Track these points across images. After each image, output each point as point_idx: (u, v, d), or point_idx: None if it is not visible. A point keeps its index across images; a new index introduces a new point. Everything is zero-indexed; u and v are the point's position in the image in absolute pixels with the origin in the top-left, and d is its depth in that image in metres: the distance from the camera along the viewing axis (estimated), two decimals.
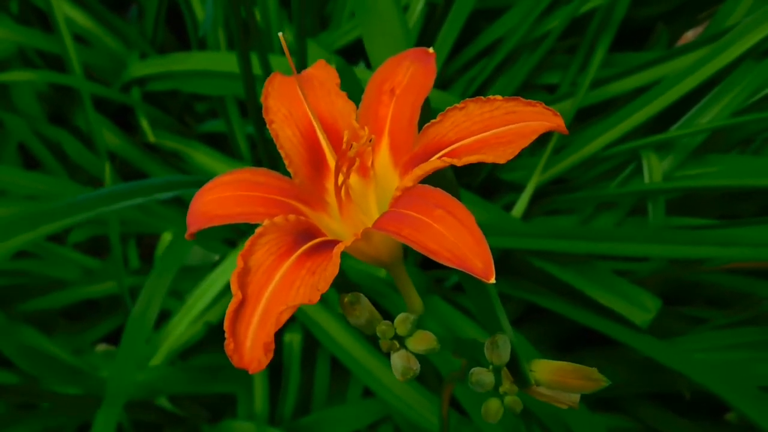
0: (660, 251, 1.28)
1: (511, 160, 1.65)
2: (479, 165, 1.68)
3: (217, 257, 1.77)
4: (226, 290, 1.52)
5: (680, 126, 1.49)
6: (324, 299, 1.48)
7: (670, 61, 1.55)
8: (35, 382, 1.51)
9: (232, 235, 1.78)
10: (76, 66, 1.68)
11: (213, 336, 1.62)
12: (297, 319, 1.51)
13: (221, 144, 1.91)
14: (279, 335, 1.54)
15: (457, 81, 1.71)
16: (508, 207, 1.55)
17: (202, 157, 1.80)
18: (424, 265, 1.62)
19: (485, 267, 0.44)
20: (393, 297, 1.41)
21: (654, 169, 1.44)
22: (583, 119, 1.66)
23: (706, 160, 1.48)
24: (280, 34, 0.60)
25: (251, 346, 0.45)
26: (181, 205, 1.79)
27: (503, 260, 1.44)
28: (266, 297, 0.47)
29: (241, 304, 0.47)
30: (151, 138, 1.79)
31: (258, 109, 1.48)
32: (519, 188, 1.55)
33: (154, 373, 1.48)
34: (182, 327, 1.51)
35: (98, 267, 1.75)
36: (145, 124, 1.80)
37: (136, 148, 1.83)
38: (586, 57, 1.62)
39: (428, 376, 1.43)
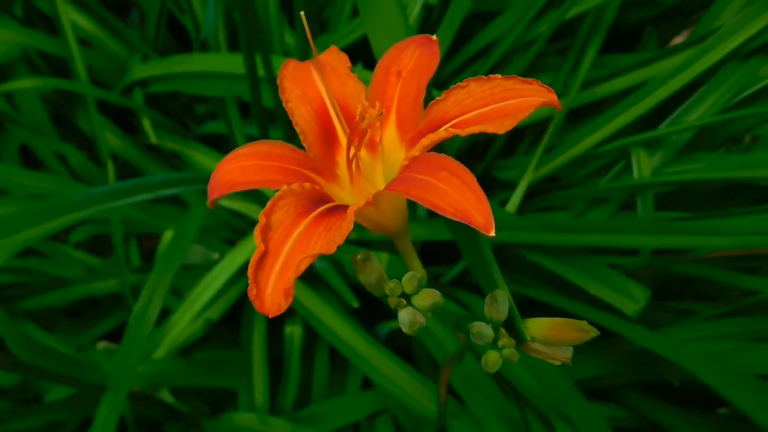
0: (648, 241, 1.32)
1: (505, 160, 1.70)
2: (474, 163, 1.72)
3: (217, 255, 1.80)
4: (226, 288, 1.55)
5: (669, 123, 1.54)
6: (322, 293, 1.52)
7: (658, 63, 1.60)
8: (36, 377, 1.54)
9: (231, 236, 1.81)
10: (80, 69, 1.72)
11: (213, 333, 1.65)
12: (297, 313, 1.54)
13: (221, 146, 1.94)
14: (280, 328, 1.57)
15: (452, 82, 1.74)
16: (503, 204, 1.59)
17: (202, 158, 1.83)
18: (421, 262, 1.66)
19: (485, 221, 0.48)
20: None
21: (643, 165, 1.49)
22: (574, 119, 1.71)
23: (693, 158, 1.53)
24: (302, 13, 0.64)
25: (272, 291, 0.50)
26: (182, 205, 1.83)
27: (497, 254, 1.47)
28: (287, 248, 0.51)
29: (264, 255, 0.51)
30: (153, 139, 1.82)
31: (262, 109, 1.54)
32: (513, 186, 1.59)
33: (157, 366, 1.51)
34: (182, 324, 1.53)
35: (100, 265, 1.78)
36: (147, 125, 1.83)
37: (137, 150, 1.86)
38: (577, 59, 1.67)
39: (425, 365, 1.47)
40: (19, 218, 1.25)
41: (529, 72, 1.73)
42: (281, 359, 1.58)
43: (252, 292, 0.49)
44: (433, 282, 1.60)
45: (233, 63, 1.65)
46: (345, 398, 1.55)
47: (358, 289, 1.45)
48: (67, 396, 1.55)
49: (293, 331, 1.55)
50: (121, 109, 1.99)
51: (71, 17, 1.83)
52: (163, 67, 1.82)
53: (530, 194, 1.60)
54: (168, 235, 1.68)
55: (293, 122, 0.67)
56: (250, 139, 1.83)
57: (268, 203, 0.54)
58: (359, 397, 1.53)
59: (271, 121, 1.77)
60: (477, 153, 1.85)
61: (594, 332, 0.60)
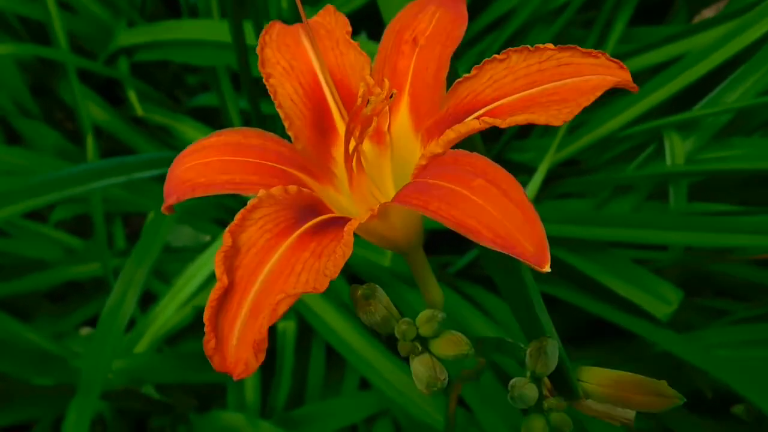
0: (683, 239, 1.20)
1: (521, 141, 1.56)
2: (486, 144, 1.59)
3: (207, 238, 1.70)
4: None
5: (704, 105, 1.40)
6: None
7: (693, 37, 1.47)
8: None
9: (224, 215, 1.70)
10: (60, 35, 1.60)
11: (202, 320, 1.54)
12: (291, 306, 1.42)
13: (213, 119, 1.82)
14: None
15: (464, 54, 1.61)
16: None
17: (192, 132, 1.72)
18: (425, 248, 1.54)
19: (537, 251, 0.34)
20: (398, 288, 1.32)
21: (677, 151, 1.35)
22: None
23: (730, 143, 1.39)
24: None
25: (237, 344, 0.36)
26: None
27: None
28: (258, 284, 0.38)
29: (227, 291, 0.37)
30: (139, 112, 1.71)
31: (252, 81, 1.40)
32: (529, 170, 1.46)
33: (137, 361, 1.41)
34: (170, 311, 1.44)
35: (81, 247, 1.66)
36: (133, 97, 1.72)
37: (123, 123, 1.74)
38: (603, 31, 1.53)
39: None
40: None
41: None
42: (274, 353, 1.47)
43: (209, 344, 0.35)
44: (439, 272, 1.48)
45: (224, 31, 1.51)
46: (341, 399, 1.45)
47: (358, 280, 1.33)
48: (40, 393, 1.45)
49: (286, 326, 1.43)
50: (107, 79, 1.86)
51: None
52: (150, 33, 1.71)
53: (547, 179, 1.47)
54: (152, 216, 1.57)
55: (276, 104, 0.52)
56: (244, 113, 1.71)
57: (237, 216, 0.39)
58: (357, 398, 1.43)
59: (265, 95, 1.63)
60: (490, 132, 1.71)
61: (679, 399, 0.46)
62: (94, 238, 1.58)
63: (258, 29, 1.33)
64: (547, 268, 0.34)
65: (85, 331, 1.73)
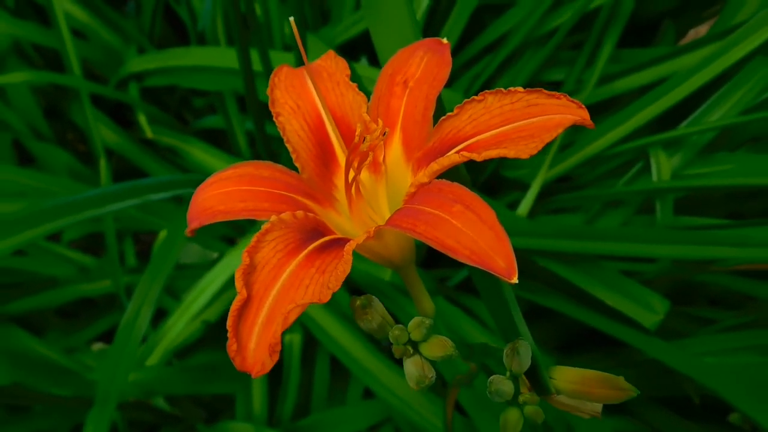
0: (669, 252, 1.25)
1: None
2: (483, 162, 1.65)
3: (215, 255, 1.74)
4: (225, 288, 1.49)
5: (689, 123, 1.46)
6: None
7: (679, 58, 1.53)
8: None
9: (231, 233, 1.75)
10: (74, 62, 1.65)
11: (211, 334, 1.59)
12: (297, 319, 1.47)
13: (219, 140, 1.88)
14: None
15: (460, 77, 1.68)
16: (513, 205, 1.52)
17: (199, 153, 1.77)
18: (426, 264, 1.59)
19: (507, 265, 0.41)
20: (398, 299, 1.38)
21: (663, 167, 1.41)
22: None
23: (714, 159, 1.45)
24: (291, 18, 0.56)
25: (255, 347, 0.43)
26: (179, 202, 1.76)
27: None
28: (273, 295, 0.44)
29: (246, 302, 0.44)
30: (149, 134, 1.76)
31: (258, 104, 1.46)
32: (523, 186, 1.52)
33: (150, 374, 1.45)
34: (180, 326, 1.48)
35: (94, 265, 1.72)
36: (143, 120, 1.77)
37: (133, 145, 1.80)
38: (592, 53, 1.59)
39: None
40: (11, 224, 1.19)
41: (542, 67, 1.65)
42: (281, 364, 1.53)
43: (232, 348, 0.42)
44: (438, 285, 1.53)
45: (231, 57, 1.58)
46: (345, 408, 1.49)
47: (362, 293, 1.39)
48: (57, 403, 1.49)
49: (292, 339, 1.48)
50: (117, 101, 1.92)
51: (65, 7, 1.76)
52: (159, 60, 1.76)
53: (541, 195, 1.53)
54: (164, 234, 1.62)
55: (285, 140, 0.59)
56: (249, 134, 1.77)
57: (253, 239, 0.46)
58: (361, 407, 1.48)
59: (269, 117, 1.69)
60: None
61: (633, 392, 0.53)
62: (106, 256, 1.63)
63: (263, 56, 1.39)
64: (515, 280, 0.40)
65: (97, 346, 1.78)
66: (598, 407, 0.56)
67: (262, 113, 1.46)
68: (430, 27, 1.68)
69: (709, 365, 1.20)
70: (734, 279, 1.43)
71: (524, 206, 1.45)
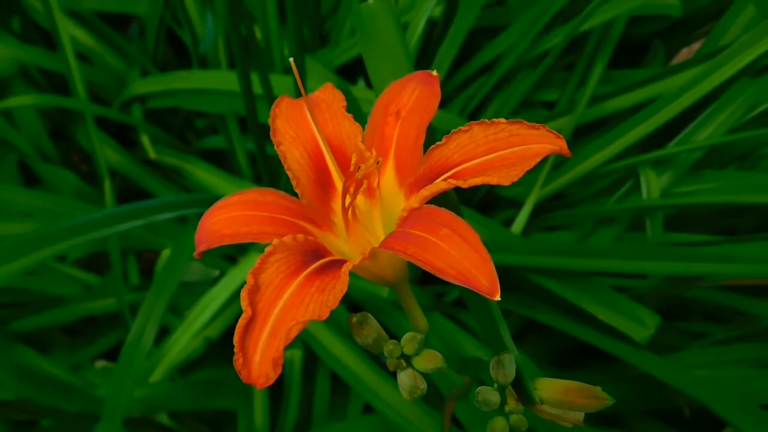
0: (658, 268, 1.28)
1: None
2: None
3: (216, 273, 1.77)
4: (226, 306, 1.52)
5: (678, 142, 1.50)
6: None
7: (667, 78, 1.57)
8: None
9: (232, 251, 1.78)
10: (79, 85, 1.69)
11: (213, 351, 1.62)
12: (297, 335, 1.50)
13: (221, 160, 1.92)
14: None
15: (455, 98, 1.72)
16: (507, 223, 1.55)
17: (202, 173, 1.80)
18: (423, 281, 1.62)
19: (490, 284, 0.45)
20: (395, 315, 1.42)
21: (652, 185, 1.45)
22: (581, 135, 1.68)
23: (703, 176, 1.49)
24: (291, 59, 0.61)
25: (260, 361, 0.46)
26: (181, 221, 1.80)
27: (502, 275, 1.43)
28: (276, 313, 0.48)
29: (251, 320, 0.48)
30: (152, 155, 1.80)
31: (258, 125, 1.51)
32: (517, 204, 1.56)
33: (154, 389, 1.48)
34: (182, 343, 1.50)
35: (98, 283, 1.75)
36: (146, 141, 1.80)
37: (136, 165, 1.83)
38: (584, 74, 1.63)
39: (428, 391, 1.43)
40: (17, 246, 1.23)
41: (535, 87, 1.69)
42: (282, 380, 1.55)
43: (238, 362, 0.46)
44: (435, 301, 1.56)
45: (233, 80, 1.62)
46: (346, 423, 1.51)
47: (359, 310, 1.42)
48: (64, 418, 1.52)
49: (293, 355, 1.51)
50: (120, 123, 1.96)
51: (70, 31, 1.81)
52: (162, 83, 1.80)
53: (534, 212, 1.57)
54: (167, 253, 1.65)
55: (285, 167, 0.63)
56: (250, 154, 1.81)
57: (257, 261, 0.51)
58: (361, 422, 1.50)
59: (268, 138, 1.73)
60: None
61: (609, 401, 0.57)
62: (110, 275, 1.66)
63: (264, 79, 1.43)
64: (497, 297, 0.44)
65: (101, 364, 1.80)
66: (580, 416, 0.59)
67: (263, 134, 1.50)
68: (426, 49, 1.72)
69: (698, 378, 1.23)
70: (724, 294, 1.47)
71: (518, 223, 1.49)
